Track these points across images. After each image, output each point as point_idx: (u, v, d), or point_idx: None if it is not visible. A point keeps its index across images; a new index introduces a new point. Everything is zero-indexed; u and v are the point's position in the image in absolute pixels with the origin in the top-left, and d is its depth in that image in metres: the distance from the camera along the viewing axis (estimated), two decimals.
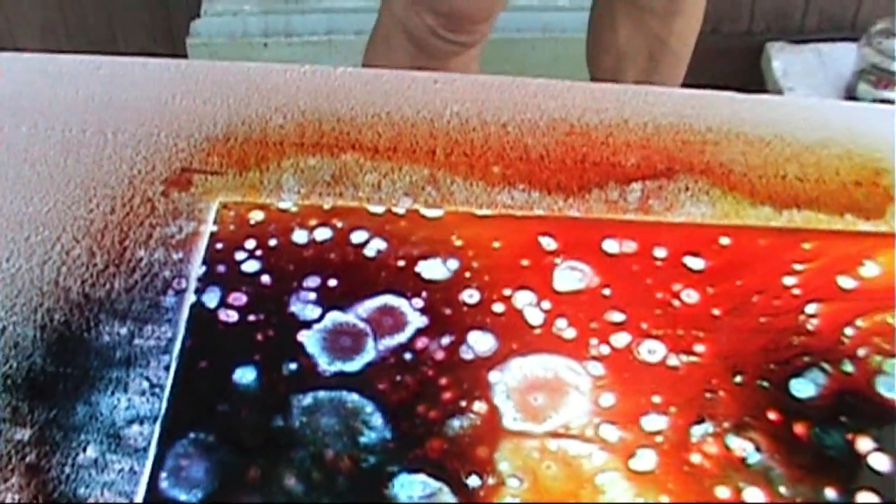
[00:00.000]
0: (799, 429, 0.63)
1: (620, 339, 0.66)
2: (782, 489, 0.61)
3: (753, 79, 2.03)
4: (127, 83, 0.78)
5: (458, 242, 0.70)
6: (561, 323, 0.67)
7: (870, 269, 0.71)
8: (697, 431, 0.63)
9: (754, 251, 0.72)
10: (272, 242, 0.70)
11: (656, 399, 0.64)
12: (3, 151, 0.74)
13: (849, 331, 0.68)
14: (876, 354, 0.67)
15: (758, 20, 2.01)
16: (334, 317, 0.66)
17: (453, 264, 0.69)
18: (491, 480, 0.60)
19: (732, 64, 2.02)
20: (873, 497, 0.61)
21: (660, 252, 0.71)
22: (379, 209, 0.72)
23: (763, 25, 2.02)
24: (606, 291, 0.69)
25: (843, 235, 0.73)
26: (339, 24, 1.95)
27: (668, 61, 1.49)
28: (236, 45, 1.94)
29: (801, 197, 0.75)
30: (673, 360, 0.65)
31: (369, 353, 0.65)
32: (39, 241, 0.69)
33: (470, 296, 0.68)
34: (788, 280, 0.70)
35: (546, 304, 0.67)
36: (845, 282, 0.70)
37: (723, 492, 0.60)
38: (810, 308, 0.69)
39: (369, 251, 0.70)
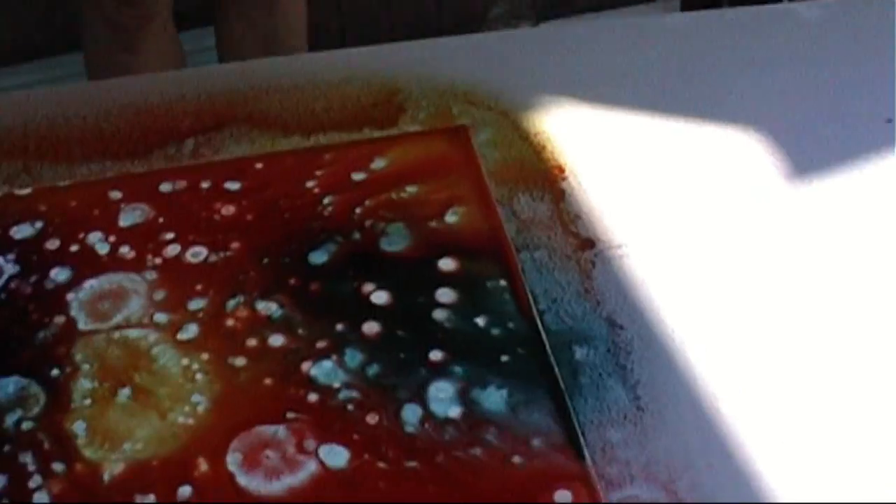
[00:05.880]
0: (314, 286, 0.82)
1: (171, 251, 0.84)
2: (300, 331, 0.79)
3: None
4: None
5: (43, 208, 0.88)
6: (124, 249, 0.84)
7: (378, 164, 0.90)
8: (231, 304, 0.81)
9: (282, 169, 0.90)
10: None
11: (199, 287, 0.82)
12: None
13: (358, 210, 0.87)
14: (380, 222, 0.86)
15: (397, 28, 2.23)
16: None
17: (38, 224, 0.86)
18: (68, 369, 0.77)
19: None
20: (375, 325, 0.79)
21: (205, 184, 0.89)
22: None
23: (404, 33, 2.21)
24: (161, 220, 0.86)
25: (357, 144, 0.93)
26: None
27: (284, 53, 1.71)
28: None
29: (327, 123, 0.94)
30: (213, 258, 0.83)
31: None
32: None
33: (52, 244, 0.85)
34: (310, 183, 0.89)
35: (112, 238, 0.85)
36: (357, 176, 0.90)
37: (251, 342, 0.78)
38: (326, 199, 0.88)
39: None
